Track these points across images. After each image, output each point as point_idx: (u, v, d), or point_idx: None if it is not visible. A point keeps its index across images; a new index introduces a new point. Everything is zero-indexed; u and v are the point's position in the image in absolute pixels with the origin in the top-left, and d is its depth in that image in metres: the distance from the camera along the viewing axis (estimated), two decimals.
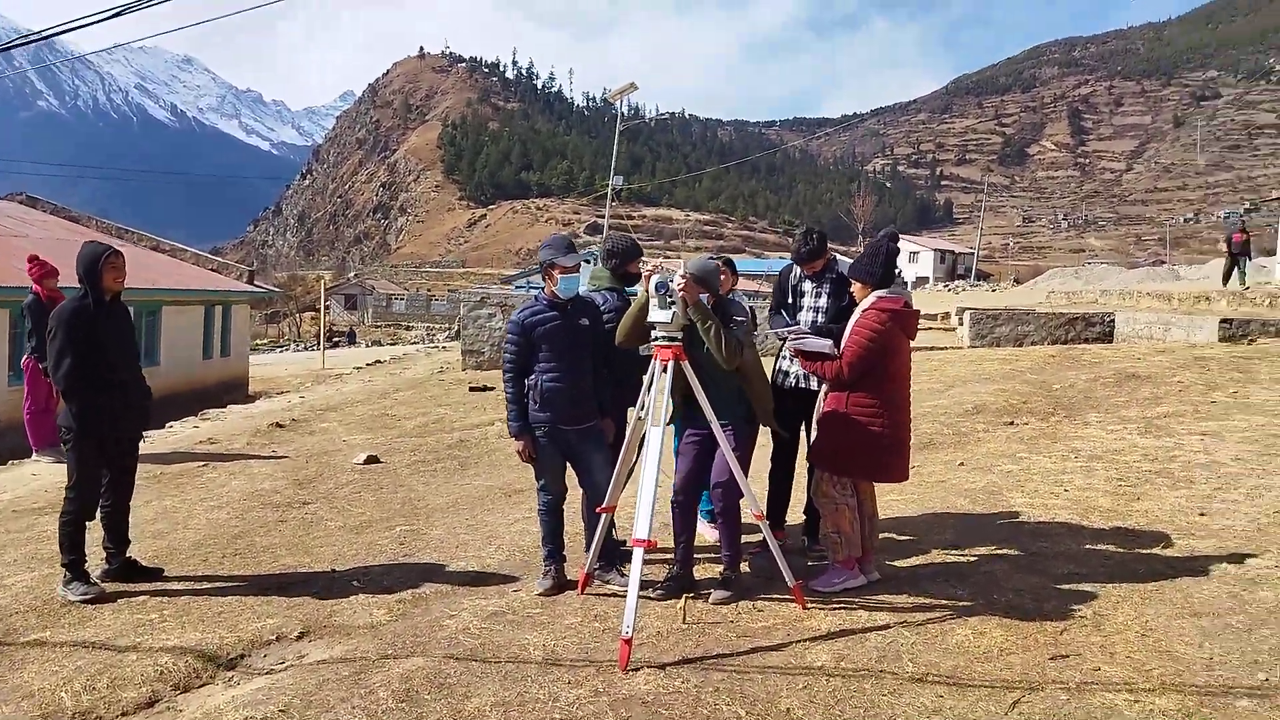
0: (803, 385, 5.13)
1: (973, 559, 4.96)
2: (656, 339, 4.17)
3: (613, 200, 27.50)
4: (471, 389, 12.79)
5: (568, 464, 4.66)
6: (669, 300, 4.11)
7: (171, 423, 11.27)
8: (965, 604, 4.27)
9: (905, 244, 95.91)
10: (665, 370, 4.15)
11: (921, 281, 70.91)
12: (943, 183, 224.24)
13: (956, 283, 71.48)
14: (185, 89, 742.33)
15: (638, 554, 3.79)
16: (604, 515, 4.43)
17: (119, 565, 4.94)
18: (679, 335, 4.15)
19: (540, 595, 4.48)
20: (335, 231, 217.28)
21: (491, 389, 12.24)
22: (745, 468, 4.46)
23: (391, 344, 52.43)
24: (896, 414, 4.51)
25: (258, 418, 11.40)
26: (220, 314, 26.14)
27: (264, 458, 8.70)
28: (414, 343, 48.70)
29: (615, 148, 27.71)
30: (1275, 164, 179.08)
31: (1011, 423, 8.72)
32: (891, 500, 6.07)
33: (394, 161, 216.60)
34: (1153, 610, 4.10)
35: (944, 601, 4.31)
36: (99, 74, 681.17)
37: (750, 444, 4.56)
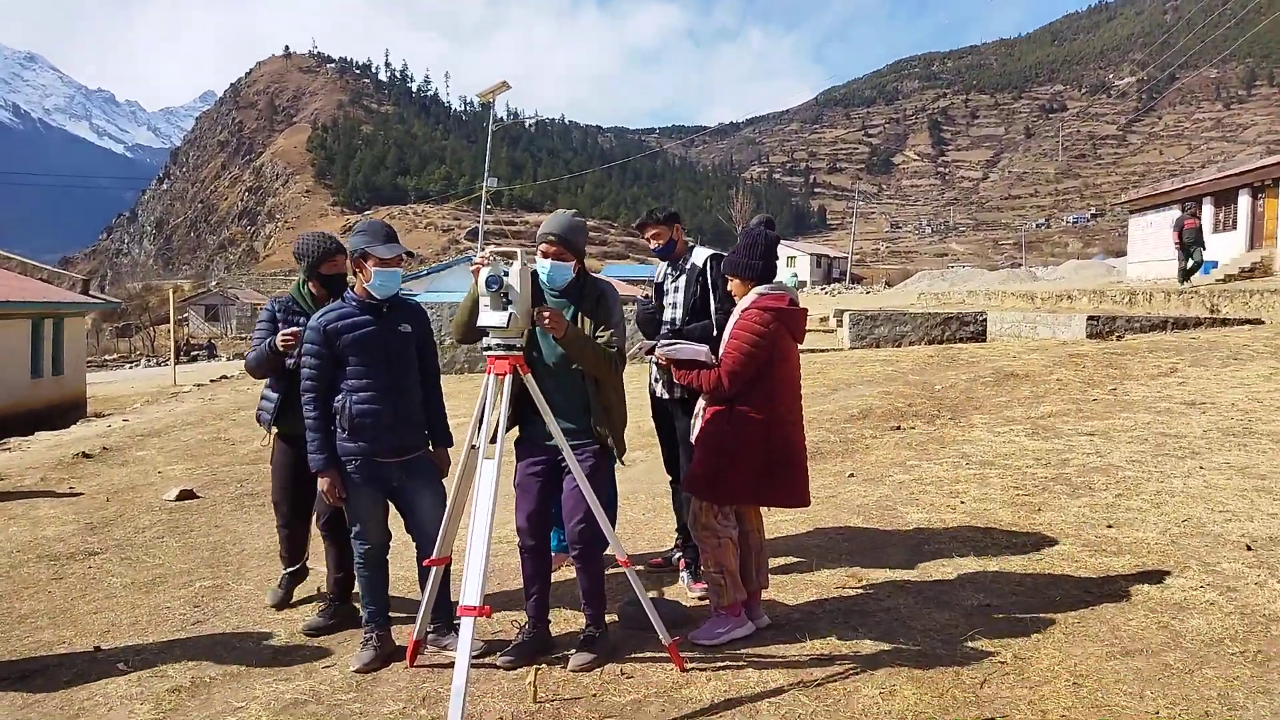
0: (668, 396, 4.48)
1: (873, 592, 4.34)
2: (489, 347, 3.36)
3: (488, 204, 26.37)
4: None
5: (389, 505, 3.79)
6: (504, 299, 3.30)
7: None
8: (869, 652, 3.62)
9: (783, 249, 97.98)
10: (501, 386, 3.34)
11: (800, 285, 72.53)
12: (816, 190, 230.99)
13: (833, 285, 73.29)
14: (29, 88, 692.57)
15: (466, 626, 2.96)
16: (435, 569, 3.58)
17: None
18: (518, 342, 3.35)
19: (358, 670, 3.59)
20: (197, 239, 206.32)
21: None
22: (605, 497, 3.70)
23: None
24: (787, 427, 3.84)
25: (66, 445, 9.93)
26: (51, 328, 23.72)
27: (58, 495, 7.41)
28: None
29: (489, 146, 26.66)
30: (1117, 172, 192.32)
31: (898, 427, 8.29)
32: (780, 521, 5.43)
33: (260, 165, 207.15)
34: (1079, 650, 3.55)
35: (845, 651, 3.65)
36: None
37: (606, 467, 3.80)
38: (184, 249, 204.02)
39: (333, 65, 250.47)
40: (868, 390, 10.14)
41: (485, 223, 28.24)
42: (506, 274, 3.33)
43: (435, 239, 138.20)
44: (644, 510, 6.10)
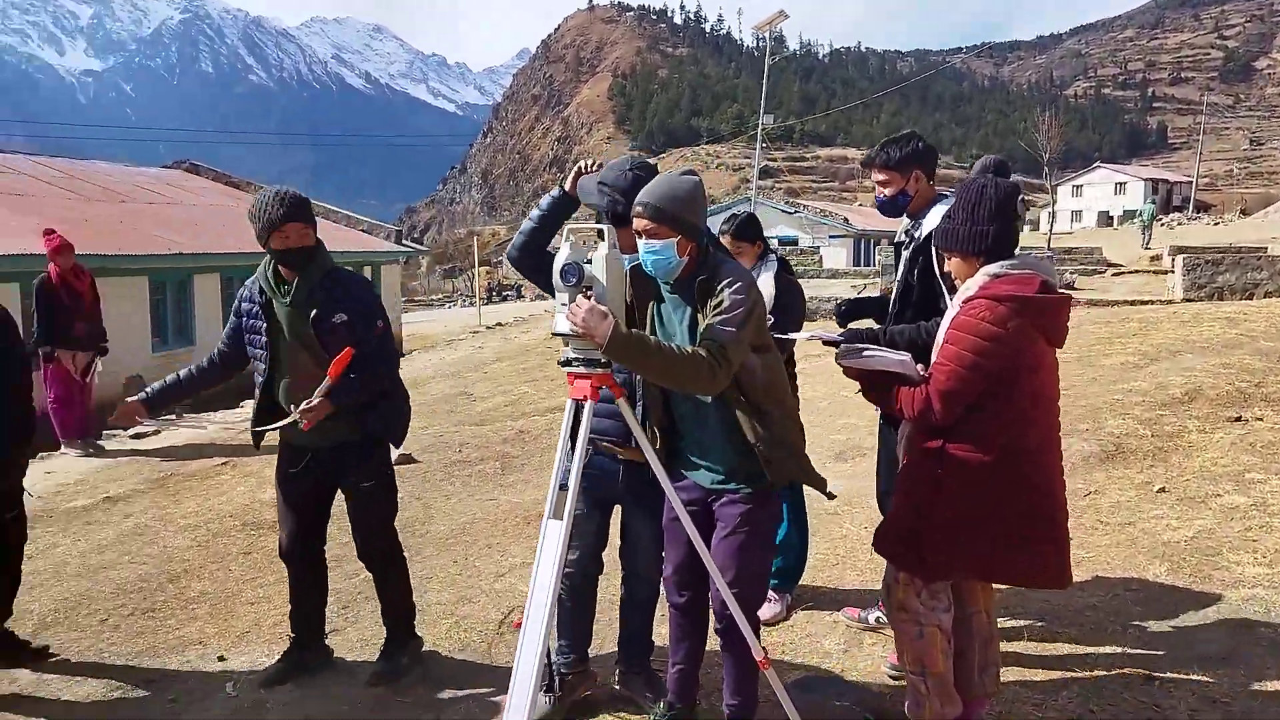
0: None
1: (1172, 701, 2.97)
2: (566, 361, 2.46)
3: (763, 143, 25.17)
4: None
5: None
6: (584, 290, 2.38)
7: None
8: None
9: (1110, 173, 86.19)
10: (581, 416, 2.43)
11: (1130, 216, 63.06)
12: (1155, 104, 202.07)
13: (1171, 215, 63.12)
14: (377, 57, 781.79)
15: None
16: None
17: None
18: (601, 357, 2.41)
19: None
20: (515, 186, 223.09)
21: None
22: (762, 559, 2.73)
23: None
24: (1035, 472, 2.60)
25: None
26: (369, 275, 26.20)
27: None
28: None
29: (765, 81, 25.32)
30: None
31: (1239, 418, 6.31)
32: None
33: (567, 115, 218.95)
34: None
35: None
36: (300, 47, 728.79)
37: (769, 522, 2.77)
38: (504, 196, 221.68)
39: (631, 14, 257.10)
40: (1199, 362, 8.00)
41: (756, 162, 27.03)
42: (589, 261, 2.40)
43: (726, 178, 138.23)
44: (862, 524, 4.94)
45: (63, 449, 7.78)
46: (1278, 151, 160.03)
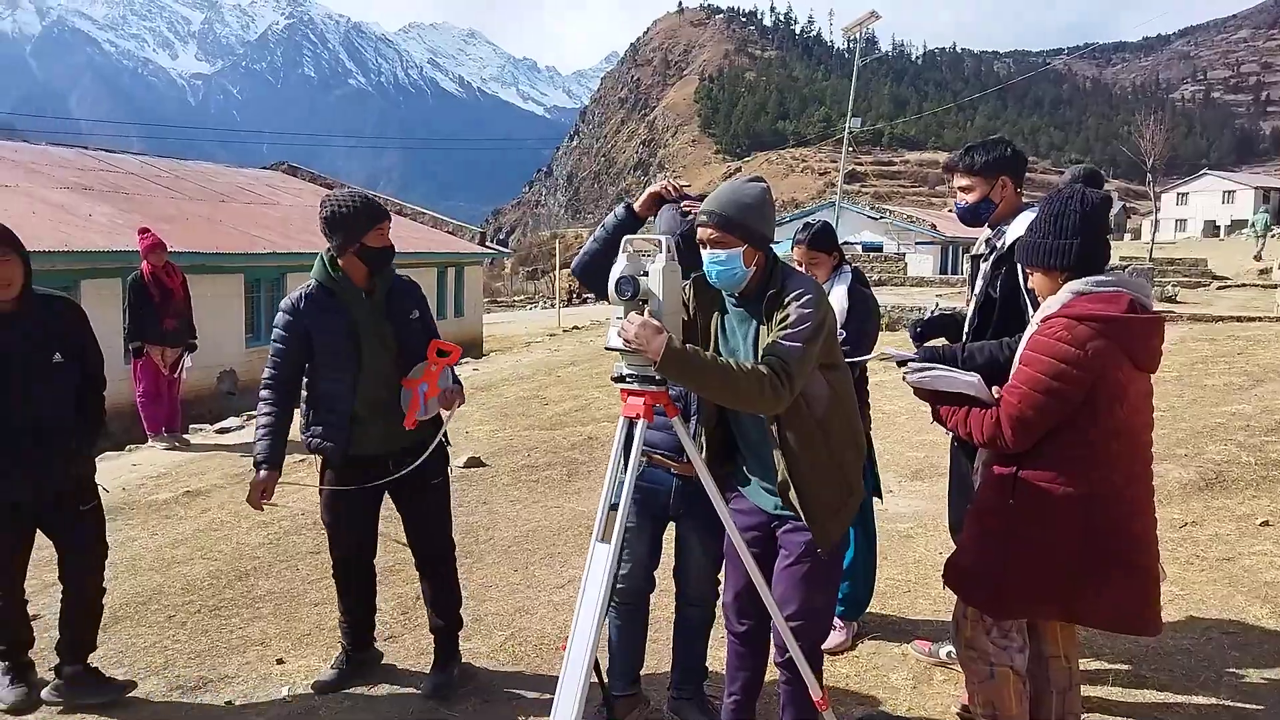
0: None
1: None
2: (620, 377, 2.37)
3: (849, 146, 24.73)
4: None
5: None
6: (638, 303, 2.29)
7: None
8: None
9: (1218, 180, 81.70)
10: (633, 435, 2.34)
11: (1238, 226, 59.73)
12: (1269, 109, 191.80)
13: (1274, 228, 59.36)
14: (471, 61, 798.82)
15: None
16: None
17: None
18: (654, 374, 2.31)
19: None
20: (599, 189, 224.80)
21: None
22: (827, 593, 2.60)
23: None
24: (1120, 508, 2.40)
25: None
26: (453, 275, 26.67)
27: None
28: None
29: (854, 82, 24.86)
30: None
31: None
32: None
33: (653, 118, 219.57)
34: None
35: None
36: (398, 51, 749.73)
37: (832, 562, 2.62)
38: (589, 199, 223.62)
39: (721, 16, 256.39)
40: None
41: (842, 166, 26.56)
42: (645, 274, 2.31)
43: (811, 182, 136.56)
44: (936, 549, 4.73)
45: (150, 442, 8.06)
46: None
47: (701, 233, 2.46)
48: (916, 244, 33.60)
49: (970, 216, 3.17)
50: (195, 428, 8.70)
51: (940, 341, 3.16)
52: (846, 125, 25.09)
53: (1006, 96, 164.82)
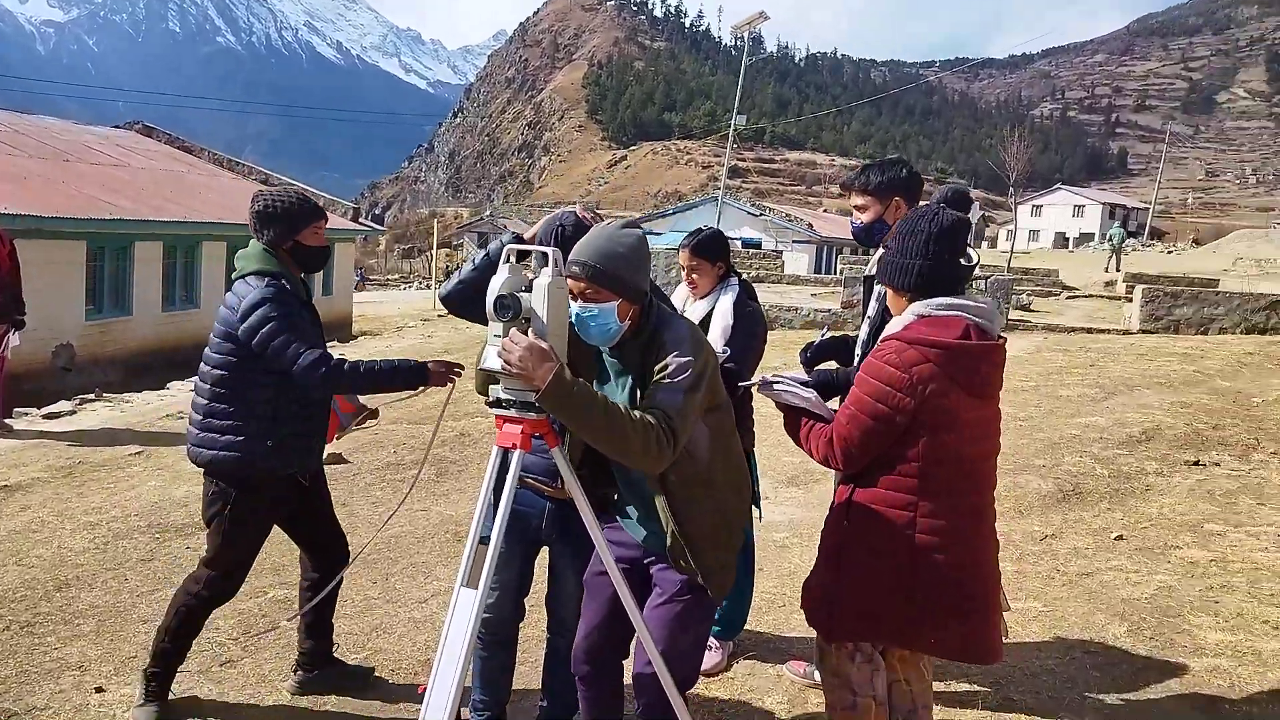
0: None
1: None
2: (497, 402, 2.15)
3: (734, 142, 24.97)
4: None
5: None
6: (521, 321, 2.07)
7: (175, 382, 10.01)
8: None
9: (1070, 195, 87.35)
10: (508, 465, 2.12)
11: (1086, 239, 64.04)
12: (1118, 130, 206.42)
13: (1128, 241, 64.30)
14: (350, 27, 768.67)
15: None
16: None
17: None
18: (533, 399, 2.09)
19: None
20: (482, 169, 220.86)
21: None
22: (692, 644, 2.44)
23: None
24: (953, 536, 2.33)
25: None
26: None
27: None
28: None
29: (740, 81, 25.10)
30: None
31: (1197, 462, 6.20)
32: None
33: (540, 100, 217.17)
34: None
35: None
36: (272, 10, 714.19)
37: (708, 601, 2.46)
38: (470, 179, 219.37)
39: (612, 3, 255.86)
40: (1157, 399, 7.92)
41: (726, 161, 26.84)
42: (527, 289, 2.09)
43: (694, 175, 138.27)
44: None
45: None
46: (1231, 184, 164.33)
47: (573, 284, 2.22)
48: (794, 242, 34.37)
49: (864, 235, 3.13)
50: (20, 412, 7.89)
51: (832, 364, 3.08)
52: (733, 121, 25.29)
53: (882, 104, 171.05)
